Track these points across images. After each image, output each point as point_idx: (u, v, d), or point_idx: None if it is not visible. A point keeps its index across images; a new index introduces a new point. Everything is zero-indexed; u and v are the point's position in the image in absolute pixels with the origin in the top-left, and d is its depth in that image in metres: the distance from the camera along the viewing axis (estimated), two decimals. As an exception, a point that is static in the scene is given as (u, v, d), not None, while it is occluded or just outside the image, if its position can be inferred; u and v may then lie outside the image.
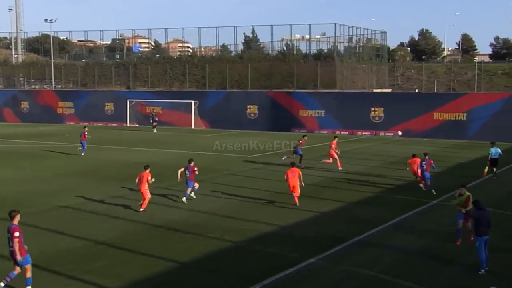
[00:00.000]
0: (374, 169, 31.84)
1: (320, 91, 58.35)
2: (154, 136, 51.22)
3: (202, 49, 77.68)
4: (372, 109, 53.13)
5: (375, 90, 63.99)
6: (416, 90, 70.39)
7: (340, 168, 30.92)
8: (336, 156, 31.46)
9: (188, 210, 21.36)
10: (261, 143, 44.23)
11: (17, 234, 12.84)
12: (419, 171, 24.86)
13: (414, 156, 26.41)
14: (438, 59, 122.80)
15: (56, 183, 26.89)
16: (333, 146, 31.95)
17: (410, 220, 20.12)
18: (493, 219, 15.42)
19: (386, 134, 52.00)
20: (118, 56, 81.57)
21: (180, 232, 18.16)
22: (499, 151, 29.20)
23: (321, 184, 26.81)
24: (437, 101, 50.60)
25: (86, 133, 36.89)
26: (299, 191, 22.05)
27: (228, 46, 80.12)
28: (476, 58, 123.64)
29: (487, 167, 28.52)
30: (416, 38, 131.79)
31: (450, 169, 31.86)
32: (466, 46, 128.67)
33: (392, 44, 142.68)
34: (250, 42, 79.14)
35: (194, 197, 22.99)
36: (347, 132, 53.41)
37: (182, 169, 23.02)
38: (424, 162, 24.67)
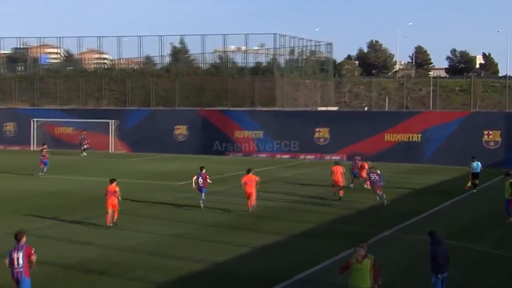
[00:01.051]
0: (321, 197, 32.33)
1: (258, 109, 58.96)
2: (64, 161, 50.34)
3: (123, 61, 77.26)
4: (317, 129, 54.08)
5: (319, 109, 65.19)
6: (366, 109, 72.20)
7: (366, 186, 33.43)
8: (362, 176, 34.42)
9: (105, 246, 21.09)
10: (190, 168, 44.05)
11: (33, 250, 14.07)
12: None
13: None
14: (390, 73, 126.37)
15: None
16: (366, 166, 34.39)
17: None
18: (456, 251, 15.83)
19: (333, 157, 52.92)
20: (21, 68, 79.90)
21: (93, 274, 17.86)
22: (480, 165, 33.16)
23: (260, 215, 27.03)
24: (388, 121, 52.07)
25: None
26: (255, 198, 26.19)
27: (153, 58, 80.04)
28: (431, 73, 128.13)
29: (469, 182, 32.50)
30: (365, 50, 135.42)
31: (404, 197, 32.75)
32: (420, 59, 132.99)
33: (339, 57, 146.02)
34: (178, 53, 79.24)
35: (202, 205, 28.12)
36: (289, 156, 54.07)
37: (195, 177, 28.30)
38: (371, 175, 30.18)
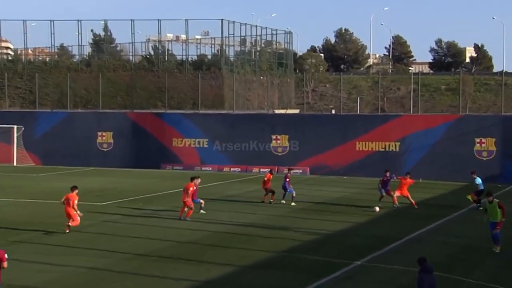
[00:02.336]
0: (276, 219, 32.34)
1: (201, 113, 58.84)
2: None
3: (30, 51, 76.26)
4: (274, 137, 54.21)
5: (277, 111, 65.48)
6: (333, 111, 73.02)
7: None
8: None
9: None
10: (117, 184, 43.56)
11: (6, 255, 15.45)
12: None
13: (270, 172, 38.42)
14: (362, 69, 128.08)
15: None
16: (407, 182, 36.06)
17: (324, 288, 20.54)
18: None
19: (293, 171, 53.00)
20: None
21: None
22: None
23: (203, 242, 26.88)
24: (361, 126, 52.54)
25: None
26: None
27: (70, 48, 79.41)
28: (412, 69, 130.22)
29: (470, 196, 34.85)
30: (332, 40, 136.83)
31: (379, 219, 32.93)
32: (399, 52, 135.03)
33: (301, 48, 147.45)
34: (102, 43, 78.71)
35: (204, 212, 32.65)
36: (239, 169, 54.00)
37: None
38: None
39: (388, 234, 28.70)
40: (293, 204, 36.59)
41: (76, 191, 28.91)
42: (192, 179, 32.65)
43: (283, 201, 37.14)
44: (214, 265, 22.96)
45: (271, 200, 37.08)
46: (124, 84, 67.30)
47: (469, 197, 34.99)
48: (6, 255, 15.51)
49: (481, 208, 32.89)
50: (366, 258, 24.15)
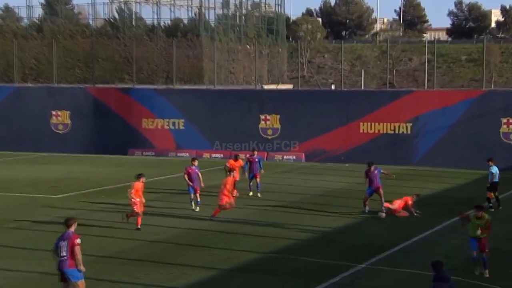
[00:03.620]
0: (264, 214, 32.63)
1: (177, 88, 58.79)
2: None
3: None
4: (262, 117, 54.31)
5: (266, 87, 65.50)
6: (333, 87, 72.99)
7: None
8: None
9: None
10: (75, 174, 43.62)
11: (79, 240, 18.21)
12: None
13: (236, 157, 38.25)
14: (367, 36, 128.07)
15: None
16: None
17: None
18: None
19: (285, 157, 53.21)
20: None
21: None
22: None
23: (178, 241, 27.12)
24: (365, 104, 52.62)
25: None
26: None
27: (16, 10, 79.08)
28: (427, 36, 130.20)
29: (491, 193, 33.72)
30: (332, 2, 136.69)
31: (386, 216, 33.13)
32: (411, 16, 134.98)
33: (294, 12, 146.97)
34: (56, 4, 78.51)
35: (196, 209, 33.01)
36: (222, 155, 54.06)
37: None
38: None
39: (396, 233, 28.87)
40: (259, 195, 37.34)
41: (143, 179, 29.73)
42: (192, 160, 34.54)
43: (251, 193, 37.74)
44: (191, 269, 23.09)
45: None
46: (83, 54, 67.07)
47: (492, 194, 33.82)
48: (78, 240, 18.24)
49: (492, 209, 33.08)
50: (370, 261, 24.33)
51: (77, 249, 18.21)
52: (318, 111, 52.89)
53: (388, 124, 51.58)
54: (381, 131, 51.74)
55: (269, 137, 54.08)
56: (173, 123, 55.85)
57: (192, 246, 26.50)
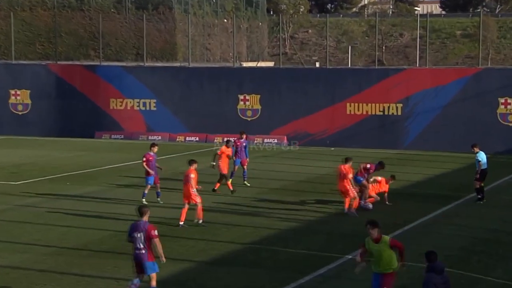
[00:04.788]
0: (245, 202, 32.66)
1: (148, 66, 58.62)
2: None
3: None
4: (241, 97, 54.26)
5: (246, 64, 65.41)
6: (317, 64, 73.00)
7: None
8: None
9: None
10: (37, 158, 43.47)
11: (156, 232, 18.95)
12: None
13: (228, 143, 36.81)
14: (355, 10, 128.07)
15: None
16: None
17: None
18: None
19: (266, 141, 53.21)
20: None
21: None
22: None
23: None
24: (352, 84, 52.68)
25: None
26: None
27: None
28: (419, 9, 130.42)
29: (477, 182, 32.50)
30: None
31: (375, 203, 33.17)
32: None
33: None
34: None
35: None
36: (197, 138, 54.01)
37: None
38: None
39: (386, 221, 28.82)
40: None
41: (195, 165, 28.58)
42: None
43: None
44: (166, 261, 23.10)
45: (215, 188, 34.87)
46: (44, 28, 66.73)
47: (479, 184, 32.80)
48: (156, 232, 18.98)
49: (482, 201, 32.79)
50: (358, 251, 24.44)
51: (157, 241, 18.97)
52: (302, 91, 52.91)
53: (377, 105, 51.65)
54: (369, 113, 51.80)
55: (249, 119, 54.04)
56: (144, 104, 55.73)
57: (165, 236, 26.35)
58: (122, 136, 55.25)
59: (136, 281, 18.97)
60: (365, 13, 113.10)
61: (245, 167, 37.05)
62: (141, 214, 19.25)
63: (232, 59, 64.59)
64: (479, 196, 32.78)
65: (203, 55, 68.09)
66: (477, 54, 56.98)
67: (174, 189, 33.20)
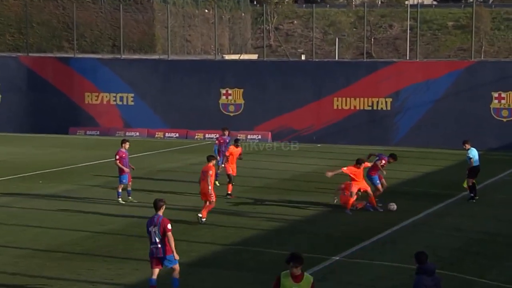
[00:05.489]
0: (226, 201, 32.66)
1: (125, 58, 58.56)
2: None
3: None
4: (223, 91, 54.25)
5: (228, 57, 65.44)
6: (303, 57, 73.06)
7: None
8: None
9: None
10: (7, 156, 43.40)
11: (170, 226, 19.48)
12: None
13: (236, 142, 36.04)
14: (342, 0, 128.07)
15: None
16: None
17: None
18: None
19: (249, 137, 53.17)
20: None
21: None
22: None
23: (128, 232, 27.14)
24: (340, 77, 52.81)
25: None
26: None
27: None
28: None
29: (466, 181, 32.50)
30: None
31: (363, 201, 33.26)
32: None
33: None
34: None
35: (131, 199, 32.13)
36: (177, 134, 53.99)
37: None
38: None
39: (375, 221, 29.00)
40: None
41: (214, 161, 29.09)
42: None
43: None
44: (143, 263, 22.99)
45: (229, 192, 33.95)
46: (15, 18, 66.57)
47: (465, 184, 33.02)
48: (169, 225, 19.49)
49: (475, 199, 32.92)
50: (347, 252, 24.46)
51: (170, 235, 19.39)
52: (287, 84, 52.98)
53: (365, 99, 51.79)
54: (358, 107, 51.91)
55: (231, 114, 54.05)
56: (121, 98, 55.68)
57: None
58: (98, 132, 55.19)
59: (153, 281, 19.57)
60: (353, 3, 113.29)
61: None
62: (157, 208, 19.64)
63: (214, 52, 64.57)
64: (472, 194, 32.87)
65: (183, 47, 68.00)
66: (470, 47, 57.18)
67: (152, 190, 33.19)
